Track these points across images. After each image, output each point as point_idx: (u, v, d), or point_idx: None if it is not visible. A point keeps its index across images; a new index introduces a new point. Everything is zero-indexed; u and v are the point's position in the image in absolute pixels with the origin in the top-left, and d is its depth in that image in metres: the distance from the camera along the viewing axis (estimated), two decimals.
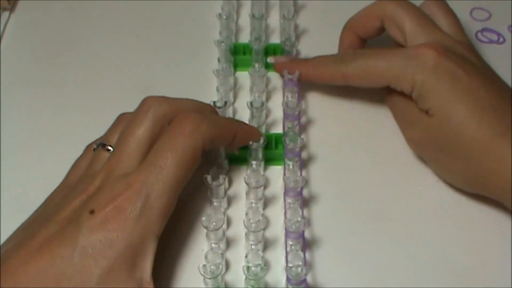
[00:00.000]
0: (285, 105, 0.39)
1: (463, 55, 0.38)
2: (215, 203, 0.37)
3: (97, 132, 0.37)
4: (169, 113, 0.35)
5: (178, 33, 0.48)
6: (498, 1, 0.50)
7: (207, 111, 0.37)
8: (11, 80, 0.45)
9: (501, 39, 0.47)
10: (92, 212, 0.31)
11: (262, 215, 0.35)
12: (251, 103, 0.39)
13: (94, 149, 0.36)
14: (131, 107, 0.35)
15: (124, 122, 0.36)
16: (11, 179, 0.40)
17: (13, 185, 0.40)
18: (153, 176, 0.32)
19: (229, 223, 0.38)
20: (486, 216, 0.38)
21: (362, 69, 0.39)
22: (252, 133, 0.38)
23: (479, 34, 0.48)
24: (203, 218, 0.35)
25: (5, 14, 0.49)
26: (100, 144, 0.36)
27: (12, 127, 0.43)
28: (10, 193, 0.39)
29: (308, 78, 0.42)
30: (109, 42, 0.48)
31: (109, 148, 0.35)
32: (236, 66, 0.45)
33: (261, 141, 0.37)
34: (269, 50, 0.45)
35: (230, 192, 0.39)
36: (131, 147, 0.34)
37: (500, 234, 0.37)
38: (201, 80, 0.44)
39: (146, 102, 0.35)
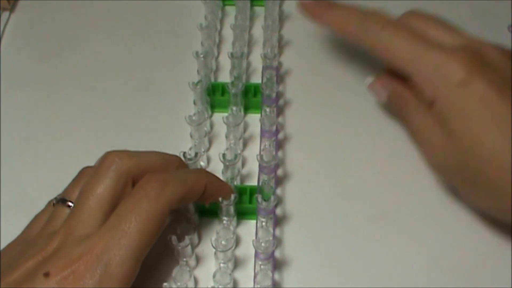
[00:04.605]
0: (260, 158, 0.37)
1: (500, 65, 0.34)
2: (181, 262, 0.35)
3: (97, 132, 0.36)
4: (133, 169, 0.33)
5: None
6: (498, 1, 0.49)
7: (174, 164, 0.35)
8: (11, 80, 0.45)
9: None
10: (47, 274, 0.29)
11: (230, 274, 0.34)
12: (224, 156, 0.37)
13: (53, 204, 0.34)
14: (130, 107, 0.37)
15: (86, 177, 0.33)
16: (11, 179, 0.40)
17: (13, 185, 0.39)
18: (115, 241, 0.30)
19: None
20: (486, 216, 0.37)
21: (384, 48, 0.37)
22: (222, 190, 0.35)
23: None
24: (165, 284, 0.33)
25: (5, 14, 0.50)
26: (60, 200, 0.33)
27: (12, 127, 0.42)
28: (10, 193, 0.39)
29: (328, 26, 0.41)
30: (109, 42, 0.48)
31: (69, 204, 0.33)
32: (213, 107, 0.43)
33: (232, 198, 0.35)
34: (249, 91, 0.43)
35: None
36: (92, 206, 0.31)
37: (500, 234, 0.37)
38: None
39: (108, 158, 0.33)
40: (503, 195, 0.32)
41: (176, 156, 0.36)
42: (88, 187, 0.32)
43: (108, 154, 0.33)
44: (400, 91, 0.38)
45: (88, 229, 0.31)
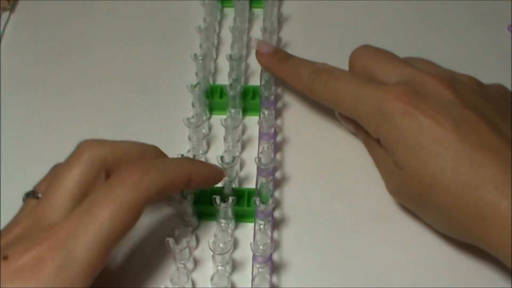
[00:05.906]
0: (258, 161, 0.37)
1: (436, 93, 0.35)
2: (179, 265, 0.34)
3: (96, 132, 0.36)
4: (106, 156, 0.31)
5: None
6: (498, 1, 0.49)
7: (151, 154, 0.34)
8: (11, 80, 0.45)
9: None
10: (6, 258, 0.28)
11: (228, 277, 0.34)
12: (222, 158, 0.37)
13: (23, 199, 0.33)
14: (129, 109, 0.37)
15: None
16: (11, 179, 0.40)
17: (13, 185, 0.39)
18: (84, 225, 0.28)
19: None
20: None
21: (332, 97, 0.38)
22: (211, 175, 0.34)
23: None
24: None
25: (5, 14, 0.50)
26: (30, 193, 0.33)
27: (12, 127, 0.43)
28: (10, 193, 0.38)
29: (281, 79, 0.41)
30: (109, 42, 0.48)
31: (39, 195, 0.32)
32: (211, 109, 0.43)
33: (230, 201, 0.35)
34: (248, 93, 0.42)
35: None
36: (61, 193, 0.30)
37: None
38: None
39: (80, 146, 0.32)
40: (450, 215, 0.33)
41: (153, 146, 0.35)
42: (58, 175, 0.31)
43: (81, 143, 0.32)
44: (360, 126, 0.39)
45: (55, 217, 0.30)
